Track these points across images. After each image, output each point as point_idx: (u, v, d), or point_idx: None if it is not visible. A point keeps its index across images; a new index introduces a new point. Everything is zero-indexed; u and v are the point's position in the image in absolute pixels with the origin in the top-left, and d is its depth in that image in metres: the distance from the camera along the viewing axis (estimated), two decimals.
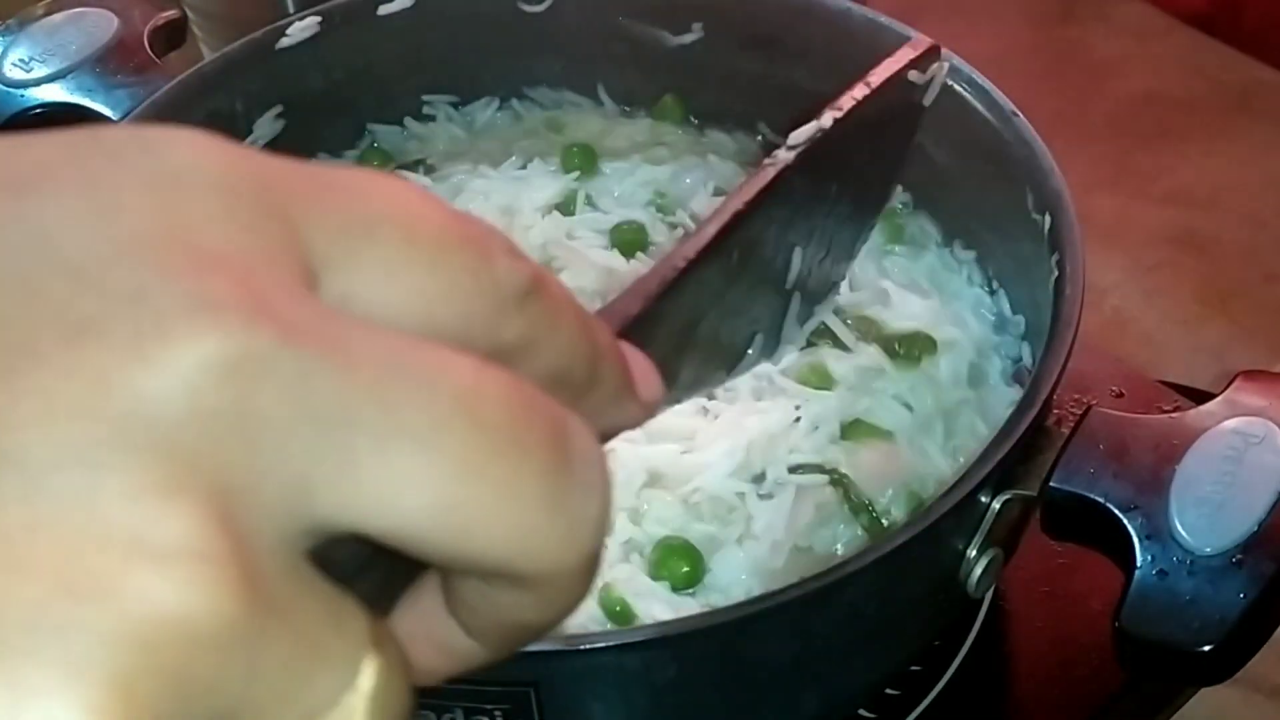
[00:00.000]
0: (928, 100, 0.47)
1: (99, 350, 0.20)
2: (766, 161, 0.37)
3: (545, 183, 0.76)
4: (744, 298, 0.39)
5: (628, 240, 0.72)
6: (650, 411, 0.28)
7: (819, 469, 0.61)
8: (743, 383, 0.64)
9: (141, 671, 0.19)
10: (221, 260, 0.21)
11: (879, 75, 0.43)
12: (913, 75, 0.45)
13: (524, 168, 0.77)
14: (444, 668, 0.26)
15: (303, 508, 0.21)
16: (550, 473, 0.22)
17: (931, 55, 0.46)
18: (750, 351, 0.40)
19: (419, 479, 0.21)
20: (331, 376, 0.21)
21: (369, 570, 0.23)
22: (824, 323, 0.67)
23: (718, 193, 0.75)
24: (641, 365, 0.28)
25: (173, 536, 0.19)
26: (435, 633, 0.25)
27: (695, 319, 0.35)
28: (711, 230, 0.34)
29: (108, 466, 0.19)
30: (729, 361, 0.39)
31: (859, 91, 0.42)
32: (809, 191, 0.40)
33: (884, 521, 0.60)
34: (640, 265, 0.71)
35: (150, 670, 0.19)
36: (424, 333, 0.23)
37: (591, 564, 0.24)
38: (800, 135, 0.39)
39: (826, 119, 0.40)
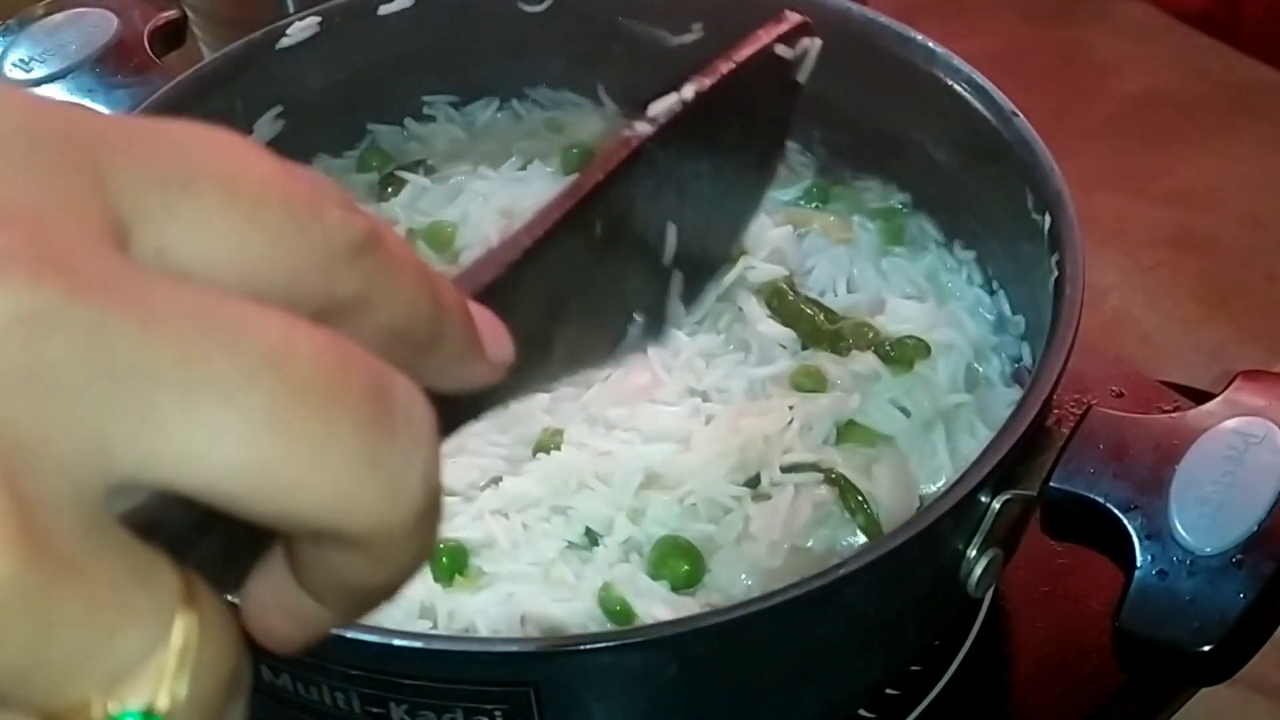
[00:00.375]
0: (802, 77, 0.46)
1: None
2: (625, 133, 0.37)
3: (545, 185, 0.76)
4: (616, 273, 0.38)
5: None
6: (498, 372, 0.28)
7: (814, 468, 0.61)
8: (737, 385, 0.64)
9: None
10: (10, 213, 0.21)
11: (744, 50, 0.43)
12: (780, 50, 0.45)
13: (524, 169, 0.77)
14: (298, 635, 0.26)
15: (103, 464, 0.21)
16: (367, 429, 0.22)
17: (800, 30, 0.46)
18: (632, 331, 0.40)
19: (225, 435, 0.21)
20: (128, 331, 0.21)
21: (206, 535, 0.23)
22: (805, 308, 0.67)
23: None
24: (490, 325, 0.28)
25: None
26: (285, 601, 0.25)
27: (562, 292, 0.35)
28: (569, 202, 0.34)
29: None
30: (609, 340, 0.39)
31: (723, 66, 0.42)
32: (676, 165, 0.40)
33: (881, 521, 0.60)
34: None
35: None
36: (248, 288, 0.23)
37: (423, 523, 0.23)
38: (659, 107, 0.39)
39: (687, 91, 0.40)
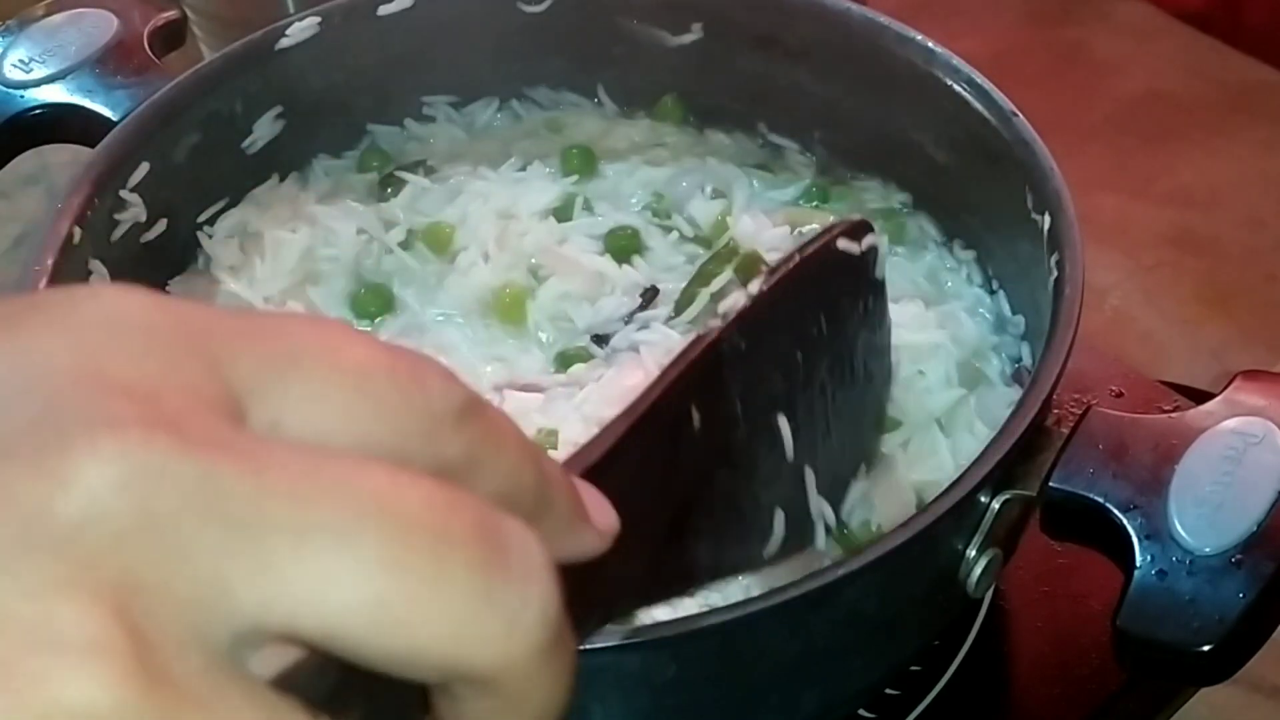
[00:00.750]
0: (879, 273, 0.48)
1: (4, 467, 0.22)
2: (701, 331, 0.38)
3: (544, 186, 0.76)
4: (738, 468, 0.38)
5: (620, 246, 0.72)
6: (605, 540, 0.29)
7: None
8: None
9: None
10: (128, 386, 0.23)
11: (809, 246, 0.45)
12: (843, 245, 0.46)
13: (523, 169, 0.77)
14: None
15: (224, 609, 0.22)
16: (478, 564, 0.23)
17: (861, 228, 0.48)
18: (778, 530, 0.40)
19: (340, 575, 0.22)
20: (238, 482, 0.22)
21: (345, 704, 0.23)
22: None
23: (715, 196, 0.75)
24: (593, 495, 0.29)
25: (68, 628, 0.21)
26: None
27: (679, 485, 0.35)
28: (652, 393, 0.34)
29: (9, 568, 0.21)
30: (753, 538, 0.39)
31: (786, 263, 0.43)
32: (763, 358, 0.40)
33: (879, 522, 0.60)
34: (632, 270, 0.71)
35: None
36: (360, 453, 0.24)
37: (550, 659, 0.24)
38: (728, 304, 0.40)
39: (753, 287, 0.41)
